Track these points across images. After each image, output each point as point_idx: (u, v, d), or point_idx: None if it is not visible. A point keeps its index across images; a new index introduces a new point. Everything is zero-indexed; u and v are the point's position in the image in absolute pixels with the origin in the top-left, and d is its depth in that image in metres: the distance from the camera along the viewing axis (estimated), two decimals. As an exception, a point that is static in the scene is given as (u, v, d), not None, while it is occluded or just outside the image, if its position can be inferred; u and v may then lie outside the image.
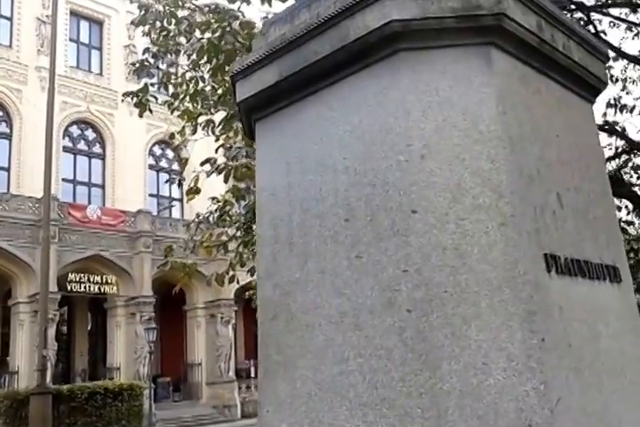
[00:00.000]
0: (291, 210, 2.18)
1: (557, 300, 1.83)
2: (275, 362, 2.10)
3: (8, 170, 27.03)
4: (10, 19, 28.43)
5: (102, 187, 31.13)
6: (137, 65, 6.83)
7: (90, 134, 30.99)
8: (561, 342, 1.78)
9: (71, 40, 30.97)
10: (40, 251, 20.14)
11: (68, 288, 26.62)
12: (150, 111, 7.16)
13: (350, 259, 1.94)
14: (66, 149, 29.50)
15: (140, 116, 7.48)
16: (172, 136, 8.31)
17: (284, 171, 2.24)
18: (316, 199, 2.09)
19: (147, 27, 6.98)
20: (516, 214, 1.80)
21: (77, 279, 27.23)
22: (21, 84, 27.21)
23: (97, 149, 31.28)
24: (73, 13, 30.33)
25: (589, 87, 2.41)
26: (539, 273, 1.80)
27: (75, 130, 30.40)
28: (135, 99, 7.08)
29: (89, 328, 34.03)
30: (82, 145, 30.73)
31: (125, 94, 7.57)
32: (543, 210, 1.92)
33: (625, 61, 9.04)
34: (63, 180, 28.83)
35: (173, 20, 6.81)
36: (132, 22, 7.73)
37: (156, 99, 7.17)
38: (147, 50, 7.33)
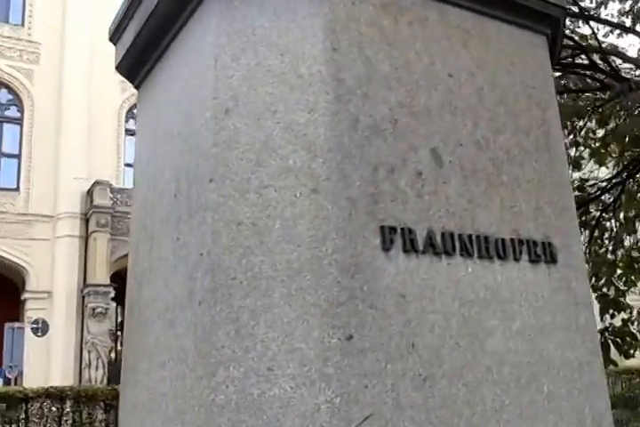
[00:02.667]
0: (146, 189, 2.04)
1: (398, 286, 1.51)
2: (129, 365, 1.98)
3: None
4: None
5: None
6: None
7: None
8: (392, 342, 1.46)
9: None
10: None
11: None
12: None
13: (174, 241, 1.76)
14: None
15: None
16: None
17: (147, 144, 2.11)
18: (160, 174, 1.93)
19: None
20: (333, 178, 1.51)
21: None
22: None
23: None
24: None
25: (532, 14, 1.97)
26: (363, 252, 1.49)
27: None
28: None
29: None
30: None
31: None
32: (394, 170, 1.59)
33: None
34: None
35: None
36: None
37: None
38: None
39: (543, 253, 1.74)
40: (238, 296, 1.48)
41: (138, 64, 2.17)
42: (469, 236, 1.64)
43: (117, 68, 2.26)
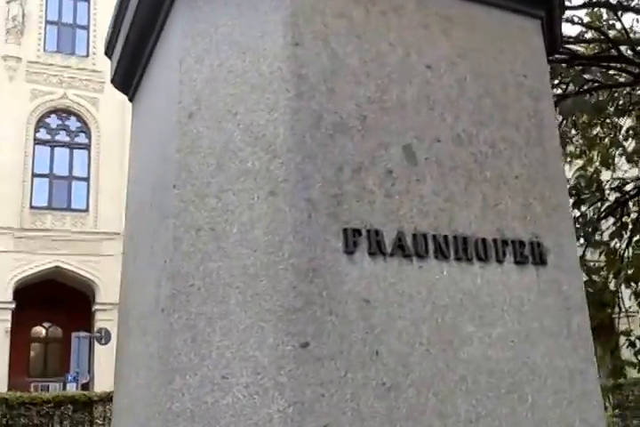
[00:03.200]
0: (136, 200, 2.04)
1: (361, 291, 1.44)
2: (117, 371, 1.98)
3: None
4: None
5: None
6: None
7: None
8: (353, 349, 1.39)
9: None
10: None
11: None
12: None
13: (149, 250, 1.74)
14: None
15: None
16: None
17: (138, 155, 2.10)
18: (145, 184, 1.92)
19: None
20: (292, 179, 1.46)
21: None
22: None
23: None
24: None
25: (524, -5, 1.87)
26: (323, 255, 1.43)
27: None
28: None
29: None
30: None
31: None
32: (361, 170, 1.53)
33: None
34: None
35: None
36: None
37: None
38: None
39: (531, 254, 1.64)
40: (196, 303, 1.44)
41: (128, 76, 2.17)
42: (445, 236, 1.56)
43: (112, 81, 2.26)
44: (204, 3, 1.66)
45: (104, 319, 20.76)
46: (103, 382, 19.13)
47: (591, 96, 5.67)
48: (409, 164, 1.58)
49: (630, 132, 6.30)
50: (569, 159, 6.31)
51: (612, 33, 5.76)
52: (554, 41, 2.06)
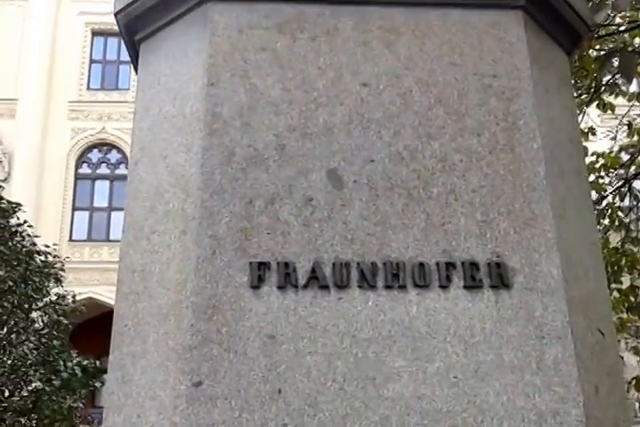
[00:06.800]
0: None
1: (266, 326, 1.38)
2: None
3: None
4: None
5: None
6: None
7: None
8: (252, 388, 1.33)
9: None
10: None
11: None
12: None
13: None
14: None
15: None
16: None
17: None
18: None
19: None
20: (198, 216, 1.45)
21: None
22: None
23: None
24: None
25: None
26: (225, 292, 1.40)
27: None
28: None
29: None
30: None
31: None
32: (275, 201, 1.47)
33: None
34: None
35: None
36: None
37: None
38: None
39: (488, 277, 1.42)
40: (127, 342, 1.49)
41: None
42: (373, 264, 1.41)
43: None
44: (153, 57, 1.75)
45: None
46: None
47: None
48: (333, 189, 1.47)
49: None
50: None
51: None
52: (562, 24, 1.78)
